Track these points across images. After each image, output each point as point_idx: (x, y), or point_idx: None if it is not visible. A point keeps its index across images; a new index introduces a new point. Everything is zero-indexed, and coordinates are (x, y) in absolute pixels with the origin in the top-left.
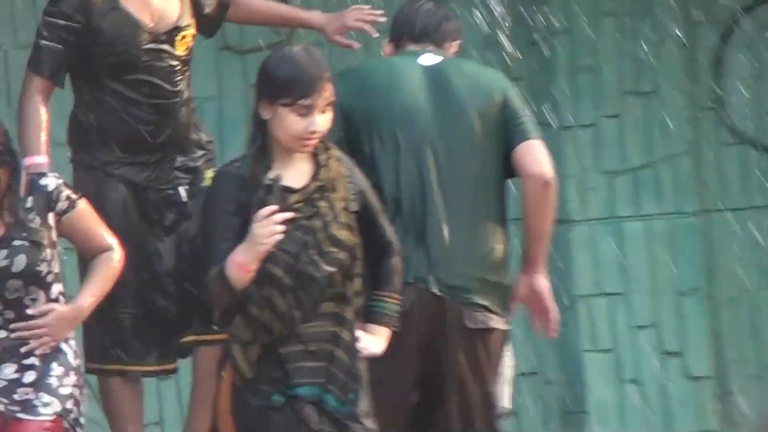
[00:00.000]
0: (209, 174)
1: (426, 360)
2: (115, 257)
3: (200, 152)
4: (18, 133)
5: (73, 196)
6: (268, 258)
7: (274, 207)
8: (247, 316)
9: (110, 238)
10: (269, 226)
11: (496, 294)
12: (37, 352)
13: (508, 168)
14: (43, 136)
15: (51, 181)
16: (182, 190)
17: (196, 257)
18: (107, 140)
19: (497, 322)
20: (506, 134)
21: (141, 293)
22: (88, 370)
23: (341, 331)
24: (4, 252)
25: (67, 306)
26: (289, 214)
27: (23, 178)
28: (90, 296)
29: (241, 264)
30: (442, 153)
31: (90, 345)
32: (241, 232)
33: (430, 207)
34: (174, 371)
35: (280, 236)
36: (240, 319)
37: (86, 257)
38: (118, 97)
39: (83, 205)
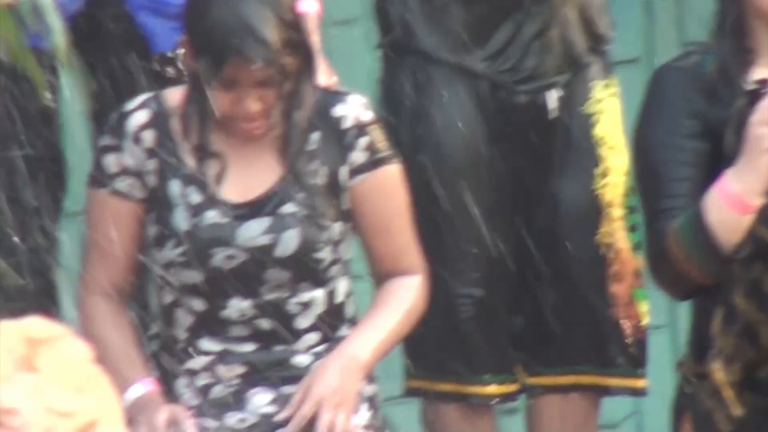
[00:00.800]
0: (601, 86)
1: None
2: (421, 286)
3: (589, 43)
4: None
5: (382, 148)
6: None
7: None
8: (730, 309)
9: (418, 254)
10: None
11: None
12: None
13: None
14: None
15: (350, 110)
16: (553, 95)
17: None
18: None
19: None
20: None
21: (492, 266)
22: (410, 391)
23: None
24: (266, 222)
25: (332, 364)
26: None
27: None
28: (372, 346)
29: (739, 198)
30: None
31: (413, 347)
32: (707, 161)
33: None
34: (516, 396)
35: None
36: (721, 314)
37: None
38: None
39: (393, 171)
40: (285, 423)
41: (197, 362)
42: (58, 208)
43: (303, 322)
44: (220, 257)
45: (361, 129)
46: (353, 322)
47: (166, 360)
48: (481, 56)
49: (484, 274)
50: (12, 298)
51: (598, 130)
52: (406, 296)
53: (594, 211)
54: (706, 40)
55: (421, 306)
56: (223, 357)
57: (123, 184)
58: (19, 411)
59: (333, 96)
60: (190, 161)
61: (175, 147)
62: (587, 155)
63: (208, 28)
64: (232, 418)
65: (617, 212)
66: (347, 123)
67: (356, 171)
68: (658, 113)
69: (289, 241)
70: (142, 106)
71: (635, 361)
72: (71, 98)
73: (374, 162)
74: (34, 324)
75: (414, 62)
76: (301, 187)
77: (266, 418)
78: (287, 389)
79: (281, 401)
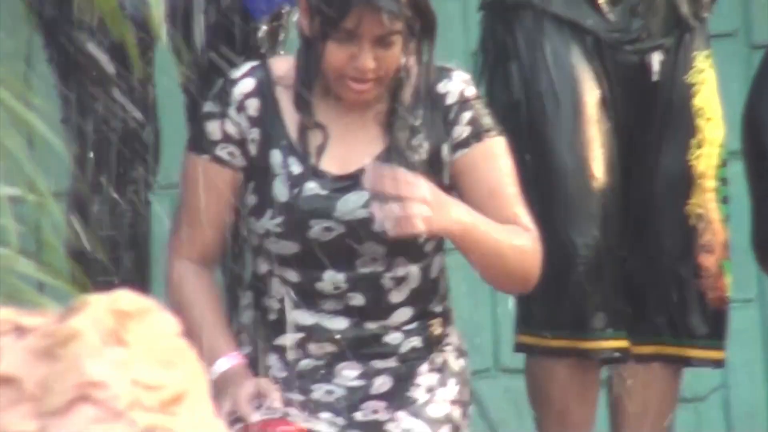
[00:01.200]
0: (702, 57)
1: None
2: (534, 242)
3: (692, 8)
4: None
5: (485, 123)
6: None
7: None
8: None
9: (528, 220)
10: None
11: None
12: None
13: None
14: None
15: (454, 86)
16: (657, 58)
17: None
18: None
19: None
20: None
21: (606, 221)
22: (520, 347)
23: None
24: (365, 196)
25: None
26: None
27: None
28: (474, 218)
29: None
30: None
31: (527, 303)
32: None
33: None
34: (626, 356)
35: None
36: None
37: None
38: None
39: (497, 143)
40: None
41: (289, 339)
42: (153, 181)
43: (396, 296)
44: (317, 229)
45: (464, 104)
46: (446, 297)
47: (257, 332)
48: (591, 13)
49: (600, 228)
50: (105, 272)
51: (698, 101)
52: (519, 232)
53: (687, 180)
54: None
55: (530, 254)
56: (314, 333)
57: (224, 151)
58: (107, 384)
59: (438, 72)
60: (292, 131)
61: (278, 116)
62: (685, 125)
63: None
64: (319, 391)
65: (710, 183)
66: (451, 99)
67: (459, 145)
68: None
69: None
70: (248, 74)
71: (718, 333)
72: (167, 69)
73: (477, 135)
74: (123, 297)
75: (525, 17)
76: (402, 162)
77: (353, 391)
78: (377, 363)
79: (370, 375)
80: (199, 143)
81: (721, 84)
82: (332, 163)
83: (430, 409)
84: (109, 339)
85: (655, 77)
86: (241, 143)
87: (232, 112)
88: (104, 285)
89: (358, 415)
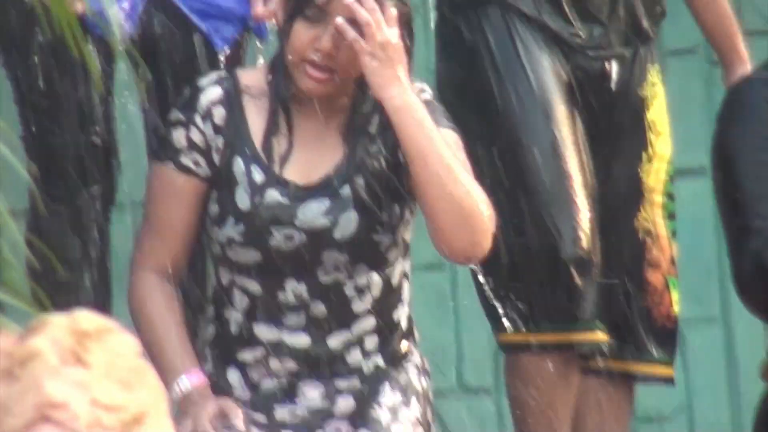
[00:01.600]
0: (655, 71)
1: None
2: (490, 213)
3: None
4: None
5: (437, 120)
6: None
7: None
8: None
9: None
10: None
11: None
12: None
13: None
14: None
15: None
16: (615, 67)
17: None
18: None
19: None
20: None
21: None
22: (505, 346)
23: None
24: (326, 203)
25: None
26: None
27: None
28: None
29: None
30: None
31: (514, 300)
32: None
33: None
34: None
35: None
36: None
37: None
38: None
39: (449, 138)
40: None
41: (250, 354)
42: (112, 199)
43: (359, 305)
44: (278, 237)
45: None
46: (408, 306)
47: (219, 347)
48: (556, 17)
49: (583, 220)
50: (65, 291)
51: (650, 114)
52: (475, 185)
53: (636, 194)
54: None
55: (485, 216)
56: (276, 349)
57: (189, 160)
58: (67, 404)
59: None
60: (257, 140)
61: (244, 125)
62: (638, 137)
63: None
64: (282, 410)
65: (658, 198)
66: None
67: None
68: (742, 128)
69: (348, 224)
70: (215, 82)
71: (666, 349)
72: (126, 87)
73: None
74: (83, 317)
75: (493, 14)
76: (361, 170)
77: (316, 412)
78: (340, 383)
79: (332, 395)
80: (164, 151)
81: (680, 100)
82: (294, 172)
83: (393, 430)
84: (68, 359)
85: (613, 86)
86: (206, 152)
87: (197, 119)
88: (64, 304)
89: None
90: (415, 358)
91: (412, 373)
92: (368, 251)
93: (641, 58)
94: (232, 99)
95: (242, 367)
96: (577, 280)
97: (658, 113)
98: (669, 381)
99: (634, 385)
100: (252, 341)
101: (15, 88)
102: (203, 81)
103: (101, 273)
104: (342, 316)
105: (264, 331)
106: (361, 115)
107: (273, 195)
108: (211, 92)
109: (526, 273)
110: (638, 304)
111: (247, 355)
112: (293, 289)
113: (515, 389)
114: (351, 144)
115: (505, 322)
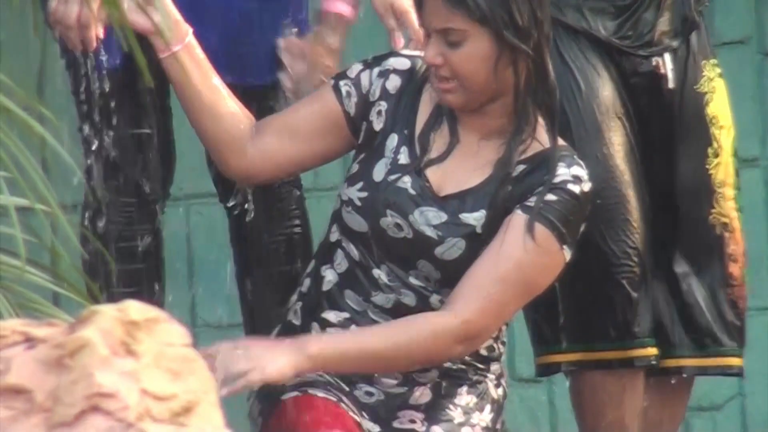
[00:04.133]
0: (710, 65)
1: None
2: (445, 332)
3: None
4: None
5: (545, 209)
6: None
7: None
8: None
9: (469, 308)
10: None
11: None
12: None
13: None
14: None
15: (567, 176)
16: (669, 63)
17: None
18: None
19: None
20: None
21: (643, 231)
22: (550, 368)
23: None
24: (443, 218)
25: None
26: None
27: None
28: (328, 345)
29: None
30: None
31: (566, 320)
32: None
33: None
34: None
35: None
36: None
37: None
38: None
39: (540, 231)
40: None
41: (335, 316)
42: (167, 193)
43: None
44: (390, 221)
45: (557, 189)
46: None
47: (309, 302)
48: (601, 24)
49: (636, 234)
50: (118, 284)
51: (711, 109)
52: (424, 321)
53: (707, 190)
54: None
55: (429, 347)
56: (361, 320)
57: (347, 88)
58: (117, 394)
59: (563, 151)
60: (418, 128)
61: (413, 108)
62: (700, 134)
63: None
64: (360, 390)
65: (729, 192)
66: (556, 179)
67: (518, 206)
68: None
69: (452, 249)
70: (410, 57)
71: (740, 340)
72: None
73: (537, 214)
74: (132, 307)
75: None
76: (492, 206)
77: (393, 397)
78: (419, 374)
79: (411, 384)
80: (335, 77)
81: (733, 92)
82: (435, 173)
83: (464, 431)
84: (118, 349)
85: (670, 84)
86: (363, 98)
87: (375, 71)
88: (117, 297)
89: (395, 423)
90: (496, 366)
91: (491, 380)
92: (459, 275)
93: (694, 52)
94: (414, 79)
95: (324, 327)
96: (632, 294)
97: (719, 107)
98: (740, 372)
99: (692, 380)
100: (340, 305)
101: (72, 77)
102: (404, 51)
103: (154, 265)
104: (428, 311)
105: (353, 300)
106: (515, 150)
107: (405, 182)
108: (399, 61)
109: (582, 292)
110: (724, 299)
111: (331, 316)
112: (387, 273)
113: (581, 406)
114: (497, 176)
115: (563, 341)
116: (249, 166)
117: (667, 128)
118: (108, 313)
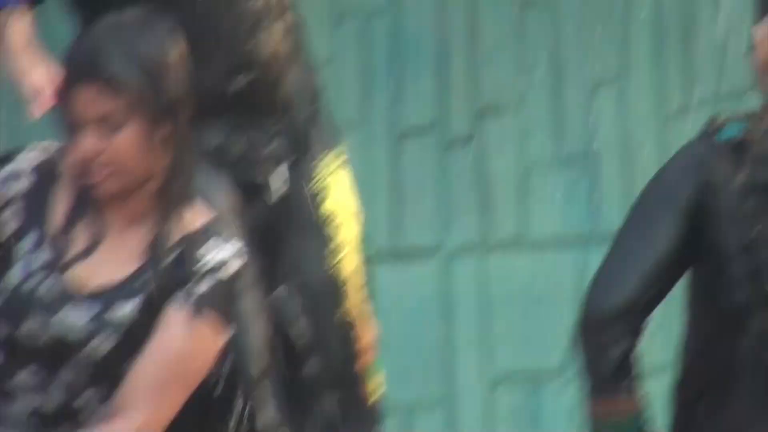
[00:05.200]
0: (326, 160)
1: None
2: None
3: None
4: None
5: (201, 300)
6: None
7: None
8: None
9: (141, 411)
10: None
11: None
12: None
13: None
14: None
15: (214, 256)
16: (279, 176)
17: None
18: None
19: None
20: None
21: None
22: None
23: None
24: (88, 316)
25: None
26: None
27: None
28: None
29: None
30: None
31: None
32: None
33: None
34: None
35: None
36: None
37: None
38: None
39: (201, 327)
40: None
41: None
42: None
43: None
44: (30, 325)
45: (208, 275)
46: None
47: None
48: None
49: None
50: None
51: (327, 206)
52: None
53: (334, 292)
54: None
55: None
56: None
57: None
58: None
59: (211, 230)
60: (57, 222)
61: (49, 202)
62: (316, 237)
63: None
64: None
65: (356, 285)
66: (202, 267)
67: (170, 301)
68: (658, 185)
69: (101, 347)
70: (41, 149)
71: None
72: None
73: (192, 308)
74: None
75: None
76: (142, 297)
77: None
78: None
79: None
80: None
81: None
82: (80, 269)
83: None
84: None
85: (276, 196)
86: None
87: (1, 176)
88: None
89: None
90: None
91: None
92: (110, 376)
93: (305, 157)
94: (47, 172)
95: None
96: None
97: (337, 202)
98: None
99: None
100: None
101: None
102: (32, 145)
103: None
104: (78, 411)
105: None
106: (163, 241)
107: (45, 285)
108: (28, 158)
109: None
110: (360, 398)
111: None
112: (32, 376)
113: None
114: (147, 266)
115: None
116: None
117: (281, 238)
118: None
